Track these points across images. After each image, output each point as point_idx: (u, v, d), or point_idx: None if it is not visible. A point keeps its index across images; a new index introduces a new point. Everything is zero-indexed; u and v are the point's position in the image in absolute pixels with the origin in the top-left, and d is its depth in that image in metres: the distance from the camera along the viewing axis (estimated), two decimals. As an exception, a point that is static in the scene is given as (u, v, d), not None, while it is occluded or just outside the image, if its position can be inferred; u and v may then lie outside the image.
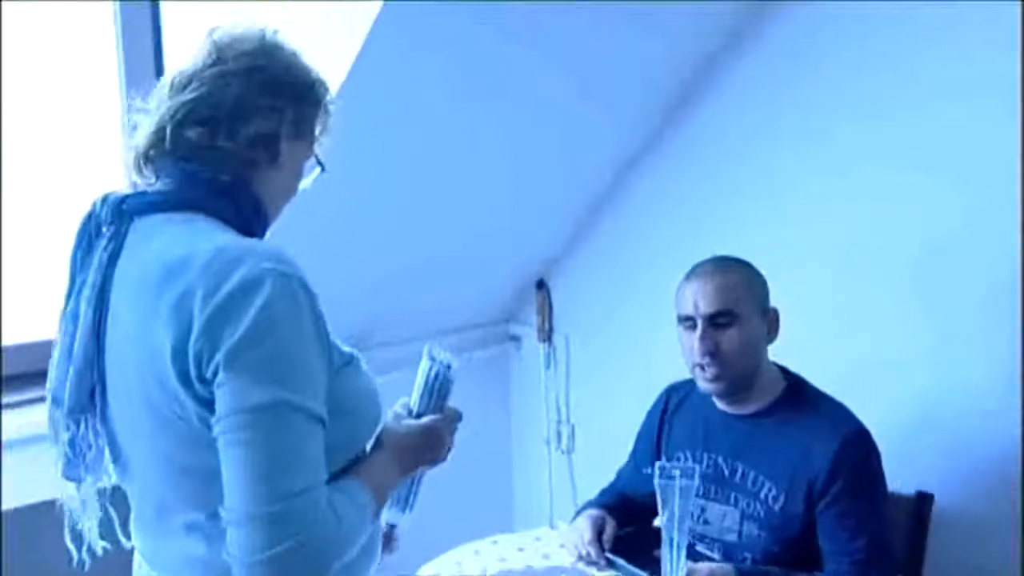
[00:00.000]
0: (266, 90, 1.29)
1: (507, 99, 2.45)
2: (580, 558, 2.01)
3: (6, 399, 2.23)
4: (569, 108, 2.58)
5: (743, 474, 1.99)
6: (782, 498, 1.93)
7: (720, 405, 2.06)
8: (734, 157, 2.66)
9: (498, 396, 3.33)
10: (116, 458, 1.35)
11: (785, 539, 1.93)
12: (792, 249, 2.49)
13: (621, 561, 1.96)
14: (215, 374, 1.15)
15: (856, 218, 2.43)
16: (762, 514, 1.95)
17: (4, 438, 2.07)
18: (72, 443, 1.31)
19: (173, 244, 1.22)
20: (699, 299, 1.95)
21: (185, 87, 1.27)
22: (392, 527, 1.53)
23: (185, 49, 1.32)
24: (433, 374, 1.49)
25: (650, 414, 2.24)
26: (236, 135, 1.27)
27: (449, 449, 1.49)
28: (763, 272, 2.01)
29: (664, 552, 1.82)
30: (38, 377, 1.87)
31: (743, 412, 2.02)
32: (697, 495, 2.02)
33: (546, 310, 3.17)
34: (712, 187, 2.71)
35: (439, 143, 2.46)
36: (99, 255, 1.28)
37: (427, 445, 1.45)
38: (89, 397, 1.30)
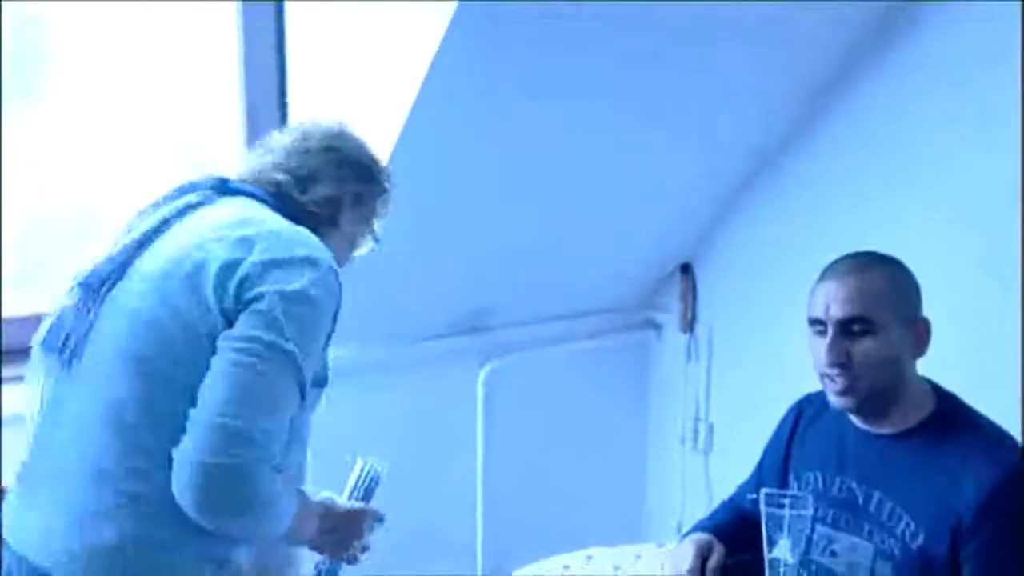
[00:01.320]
0: (336, 164, 1.58)
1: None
2: (677, 584, 1.79)
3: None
4: (719, 87, 2.34)
5: (879, 503, 1.70)
6: (921, 536, 1.63)
7: (858, 422, 1.77)
8: (892, 144, 2.34)
9: (634, 388, 3.10)
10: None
11: None
12: (952, 252, 2.15)
13: (724, 596, 1.73)
14: (250, 300, 1.33)
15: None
16: (897, 552, 1.66)
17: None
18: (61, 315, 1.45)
19: (252, 209, 1.49)
20: (831, 302, 1.68)
21: (282, 150, 1.58)
22: None
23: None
24: (364, 475, 1.66)
25: (780, 427, 1.97)
26: (307, 191, 1.55)
27: (363, 547, 1.62)
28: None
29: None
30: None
31: (884, 432, 1.73)
32: (826, 523, 1.76)
33: (690, 297, 2.91)
34: (872, 175, 2.39)
35: (581, 113, 2.27)
36: (172, 206, 1.49)
37: (344, 525, 1.58)
38: (99, 286, 1.43)
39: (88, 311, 1.42)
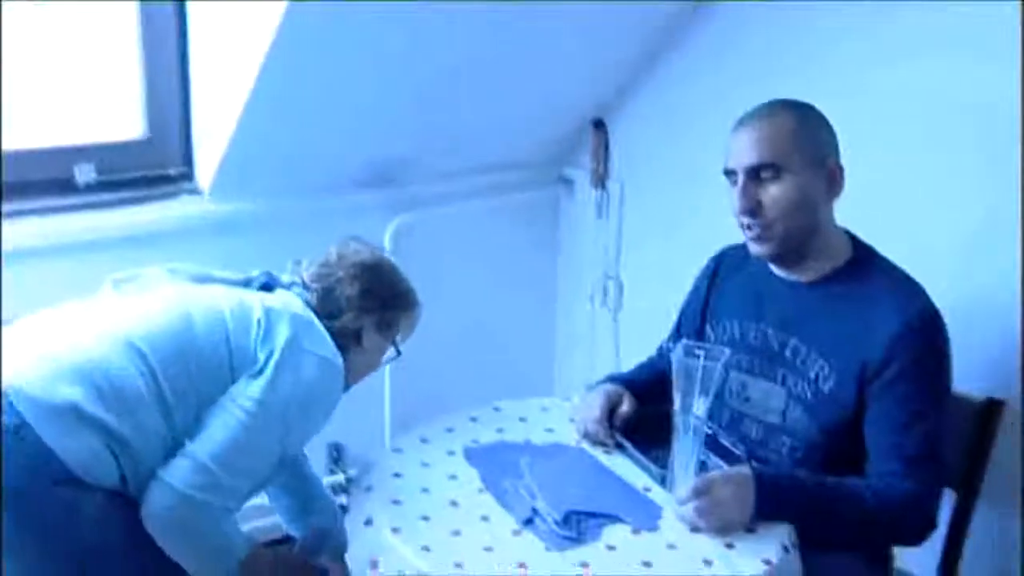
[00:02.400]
0: (360, 295, 1.76)
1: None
2: (586, 436, 1.80)
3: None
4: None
5: (794, 349, 1.73)
6: (833, 378, 1.67)
7: (776, 270, 1.78)
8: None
9: (544, 244, 3.06)
10: None
11: (831, 427, 1.68)
12: (858, 104, 2.09)
13: (629, 446, 1.74)
14: (262, 367, 1.60)
15: (919, 74, 2.06)
16: (809, 396, 1.69)
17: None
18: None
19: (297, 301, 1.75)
20: (740, 150, 1.67)
21: (315, 273, 1.79)
22: None
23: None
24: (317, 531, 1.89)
25: (699, 278, 1.98)
26: (335, 319, 1.74)
27: None
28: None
29: (676, 444, 1.60)
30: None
31: (801, 279, 1.75)
32: (741, 369, 1.80)
33: (602, 153, 2.86)
34: (791, 22, 2.32)
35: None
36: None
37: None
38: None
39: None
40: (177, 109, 2.24)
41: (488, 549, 1.48)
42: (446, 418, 1.86)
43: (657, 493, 1.65)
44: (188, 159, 2.29)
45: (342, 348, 1.71)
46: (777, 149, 1.65)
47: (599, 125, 2.85)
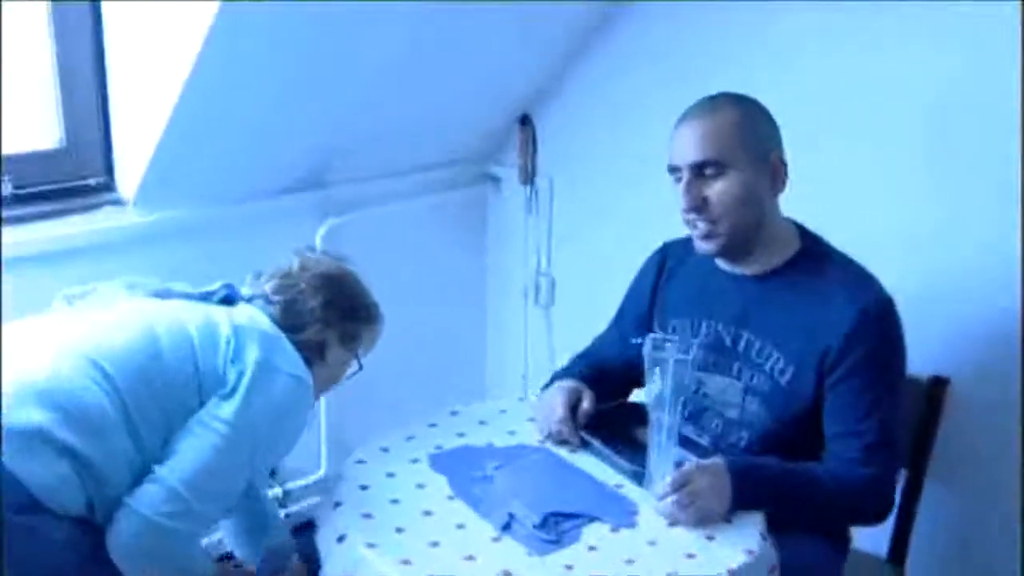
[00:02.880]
0: (324, 306, 1.71)
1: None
2: (549, 435, 1.77)
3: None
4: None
5: (748, 343, 1.74)
6: (790, 371, 1.68)
7: (723, 265, 1.78)
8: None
9: (474, 242, 3.02)
10: None
11: (788, 418, 1.69)
12: (802, 97, 2.13)
13: (597, 443, 1.72)
14: (233, 387, 1.54)
15: (868, 67, 2.09)
16: (767, 389, 1.70)
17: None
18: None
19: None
20: (683, 147, 1.67)
21: (276, 285, 1.72)
22: None
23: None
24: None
25: (642, 275, 1.97)
26: (299, 332, 1.68)
27: None
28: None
29: (652, 437, 1.58)
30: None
31: (748, 272, 1.75)
32: (696, 367, 1.78)
33: (529, 149, 2.84)
34: (719, 19, 2.34)
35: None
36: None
37: None
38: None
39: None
40: (95, 116, 2.12)
41: (470, 558, 1.44)
42: (405, 427, 1.81)
43: (630, 489, 1.63)
44: (109, 168, 2.17)
45: (307, 362, 1.66)
46: (721, 145, 1.65)
47: (525, 121, 2.83)
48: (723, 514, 1.55)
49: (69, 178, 2.14)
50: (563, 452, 1.75)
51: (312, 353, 1.69)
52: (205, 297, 1.72)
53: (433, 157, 2.78)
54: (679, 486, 1.53)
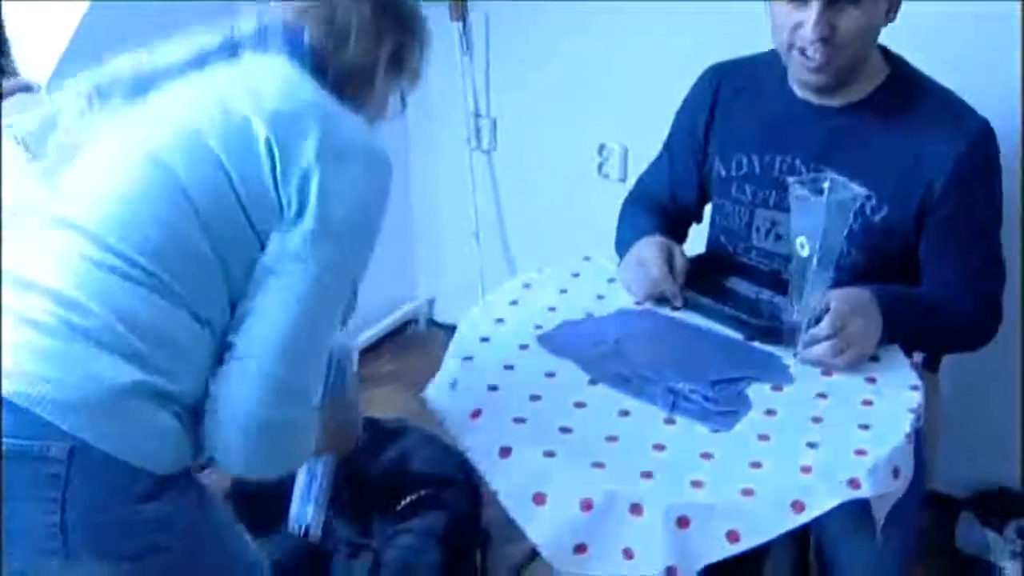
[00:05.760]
0: (374, 15, 1.26)
1: None
2: (648, 297, 1.62)
3: None
4: None
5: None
6: (885, 208, 1.58)
7: (801, 94, 1.64)
8: None
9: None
10: None
11: (880, 256, 1.61)
12: None
13: (708, 300, 1.59)
14: (299, 208, 1.14)
15: None
16: (855, 228, 1.60)
17: None
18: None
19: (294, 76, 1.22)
20: None
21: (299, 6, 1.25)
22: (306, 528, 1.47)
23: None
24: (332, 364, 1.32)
25: (692, 104, 1.79)
26: (338, 59, 1.25)
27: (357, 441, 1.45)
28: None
29: (804, 284, 1.44)
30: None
31: (834, 103, 1.61)
32: (768, 206, 1.67)
33: (458, -20, 2.55)
34: None
35: None
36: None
37: (340, 434, 1.40)
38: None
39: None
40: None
41: (659, 447, 1.29)
42: (484, 309, 1.60)
43: (755, 344, 1.52)
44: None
45: (353, 100, 1.26)
46: None
47: (450, -52, 2.52)
48: (871, 352, 1.48)
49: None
50: (665, 311, 1.61)
51: (359, 85, 1.28)
52: (199, 63, 1.24)
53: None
54: (837, 329, 1.43)
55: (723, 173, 1.72)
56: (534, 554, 2.15)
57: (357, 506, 2.24)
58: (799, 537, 1.76)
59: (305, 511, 1.46)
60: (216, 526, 1.21)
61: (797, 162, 1.64)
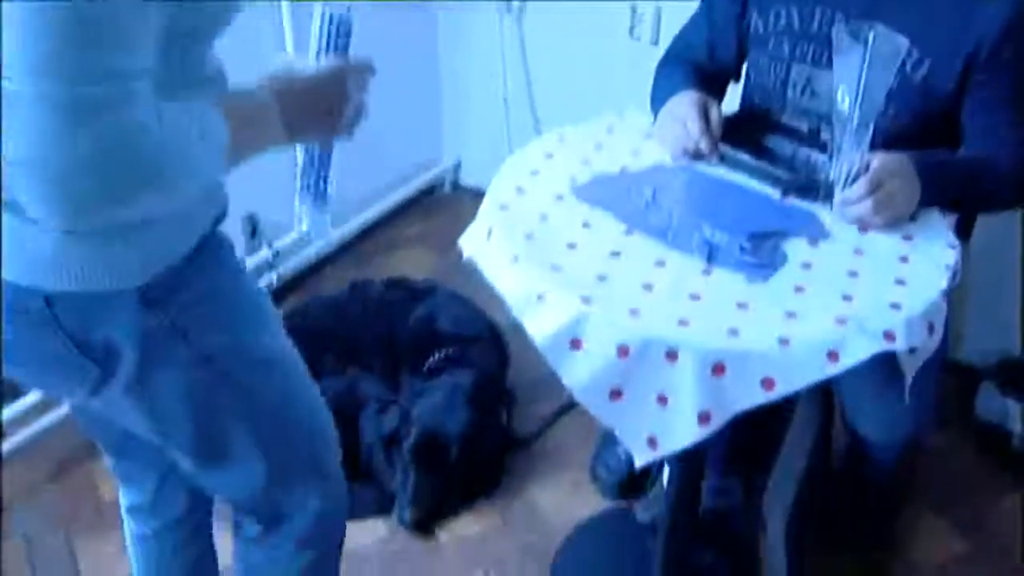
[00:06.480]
0: None
1: None
2: (684, 152, 1.60)
3: None
4: None
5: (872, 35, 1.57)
6: (926, 66, 1.54)
7: (845, -57, 1.58)
8: None
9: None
10: None
11: (919, 117, 1.57)
12: None
13: (744, 156, 1.57)
14: None
15: None
16: (894, 85, 1.57)
17: None
18: None
19: None
20: None
21: None
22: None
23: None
24: (329, 23, 1.17)
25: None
26: None
27: (358, 111, 1.20)
28: None
29: (843, 139, 1.43)
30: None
31: (877, -47, 1.56)
32: (805, 61, 1.63)
33: None
34: None
35: None
36: None
37: (323, 95, 1.15)
38: None
39: None
40: None
41: (694, 297, 1.30)
42: (517, 164, 1.59)
43: (792, 200, 1.51)
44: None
45: None
46: None
47: None
48: (909, 213, 1.46)
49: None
50: (702, 167, 1.59)
51: None
52: None
53: None
54: (876, 187, 1.42)
55: (761, 29, 1.68)
56: (561, 410, 2.23)
57: (386, 363, 2.28)
58: (824, 403, 1.79)
59: (307, 207, 1.35)
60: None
61: (837, 15, 1.59)
